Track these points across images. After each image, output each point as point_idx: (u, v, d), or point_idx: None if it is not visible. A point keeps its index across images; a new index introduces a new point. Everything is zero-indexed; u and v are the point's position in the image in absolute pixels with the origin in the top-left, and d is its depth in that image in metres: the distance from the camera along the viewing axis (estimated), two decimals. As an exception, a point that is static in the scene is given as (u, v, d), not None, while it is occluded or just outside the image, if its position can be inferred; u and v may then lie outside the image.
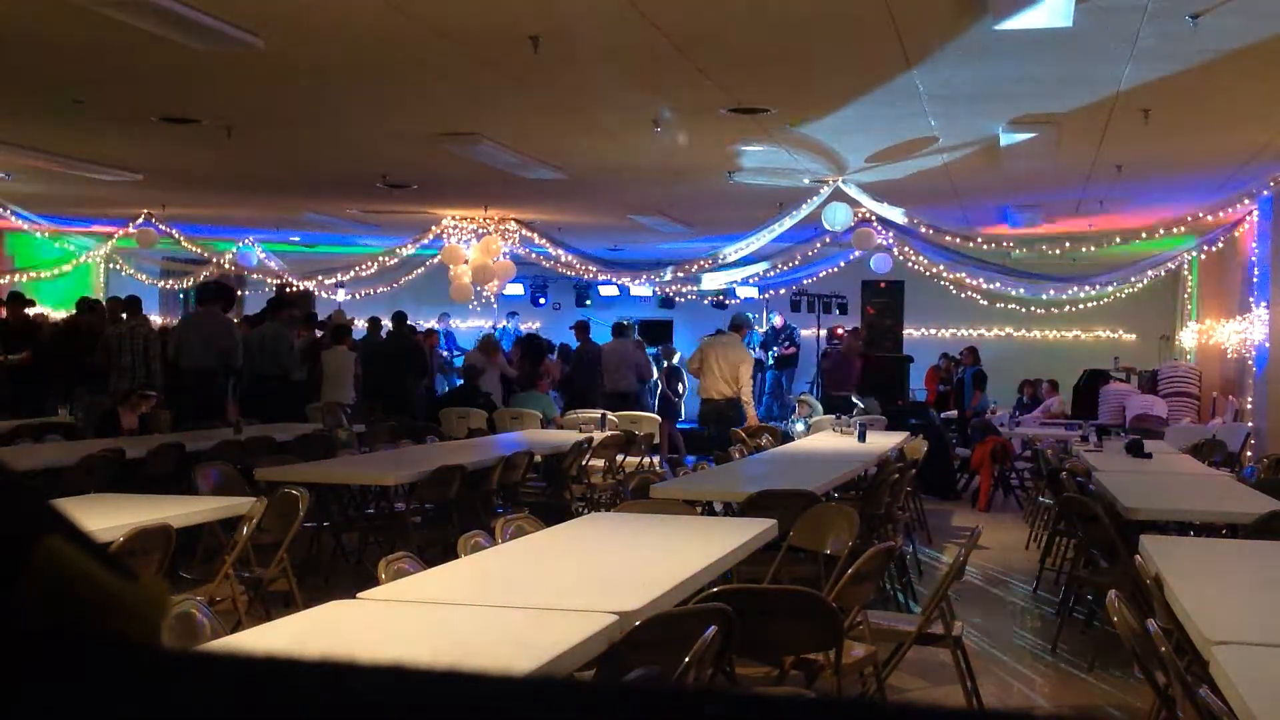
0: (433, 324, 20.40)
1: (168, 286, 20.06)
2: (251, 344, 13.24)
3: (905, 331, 20.38)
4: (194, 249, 17.29)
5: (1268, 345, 12.12)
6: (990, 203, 13.89)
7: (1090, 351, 19.62)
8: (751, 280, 16.61)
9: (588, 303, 21.73)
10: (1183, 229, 12.93)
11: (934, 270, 14.90)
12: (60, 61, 8.16)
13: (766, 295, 19.09)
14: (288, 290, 17.80)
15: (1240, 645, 3.25)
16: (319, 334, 15.07)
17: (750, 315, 19.74)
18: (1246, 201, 12.03)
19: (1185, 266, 15.96)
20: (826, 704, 0.48)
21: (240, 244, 18.28)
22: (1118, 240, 13.23)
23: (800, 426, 13.64)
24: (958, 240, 13.80)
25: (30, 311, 14.35)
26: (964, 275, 14.98)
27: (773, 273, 15.65)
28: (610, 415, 12.30)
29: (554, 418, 13.11)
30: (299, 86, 8.83)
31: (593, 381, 14.99)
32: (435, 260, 16.26)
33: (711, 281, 16.41)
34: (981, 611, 7.71)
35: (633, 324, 16.73)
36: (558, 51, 7.49)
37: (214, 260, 17.89)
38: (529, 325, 21.90)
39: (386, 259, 17.06)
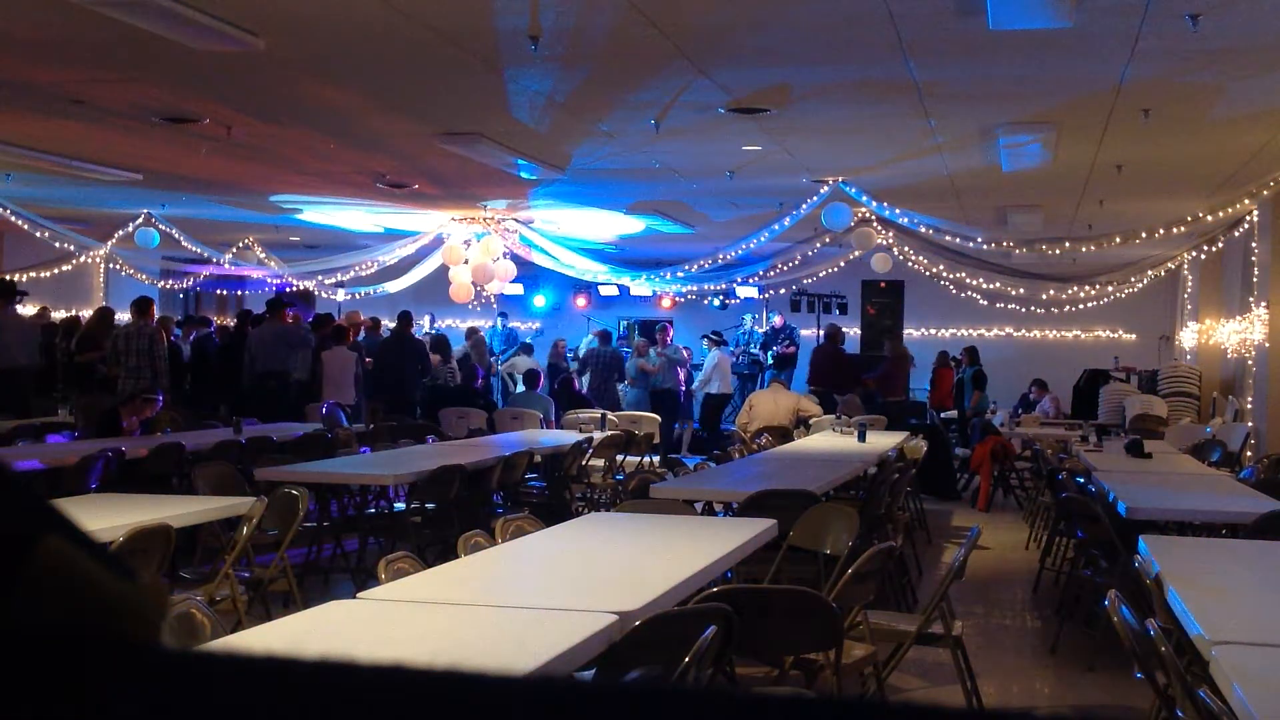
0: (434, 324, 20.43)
1: (168, 286, 20.06)
2: (252, 344, 13.26)
3: (905, 331, 20.38)
4: (194, 249, 17.29)
5: (1268, 345, 12.12)
6: (990, 203, 13.89)
7: (1090, 351, 19.62)
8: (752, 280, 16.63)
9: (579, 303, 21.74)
10: (1183, 229, 12.93)
11: (934, 270, 14.90)
12: (60, 61, 8.16)
13: (766, 295, 19.09)
14: (287, 290, 17.79)
15: (1240, 645, 3.25)
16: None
17: (749, 316, 19.85)
18: (1246, 201, 12.03)
19: (1185, 266, 15.96)
20: (826, 704, 0.48)
21: (241, 242, 18.29)
22: (1118, 240, 13.23)
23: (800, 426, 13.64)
24: (958, 240, 13.80)
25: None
26: (964, 275, 15.00)
27: (773, 273, 15.64)
28: (610, 415, 12.31)
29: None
30: (299, 86, 8.83)
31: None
32: (435, 261, 16.28)
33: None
34: (981, 611, 7.71)
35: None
36: (558, 51, 7.49)
37: (214, 260, 17.90)
38: (527, 325, 21.91)
39: (386, 259, 17.06)
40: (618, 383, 16.26)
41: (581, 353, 17.43)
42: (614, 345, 17.52)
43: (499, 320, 20.55)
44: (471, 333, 18.30)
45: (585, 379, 16.32)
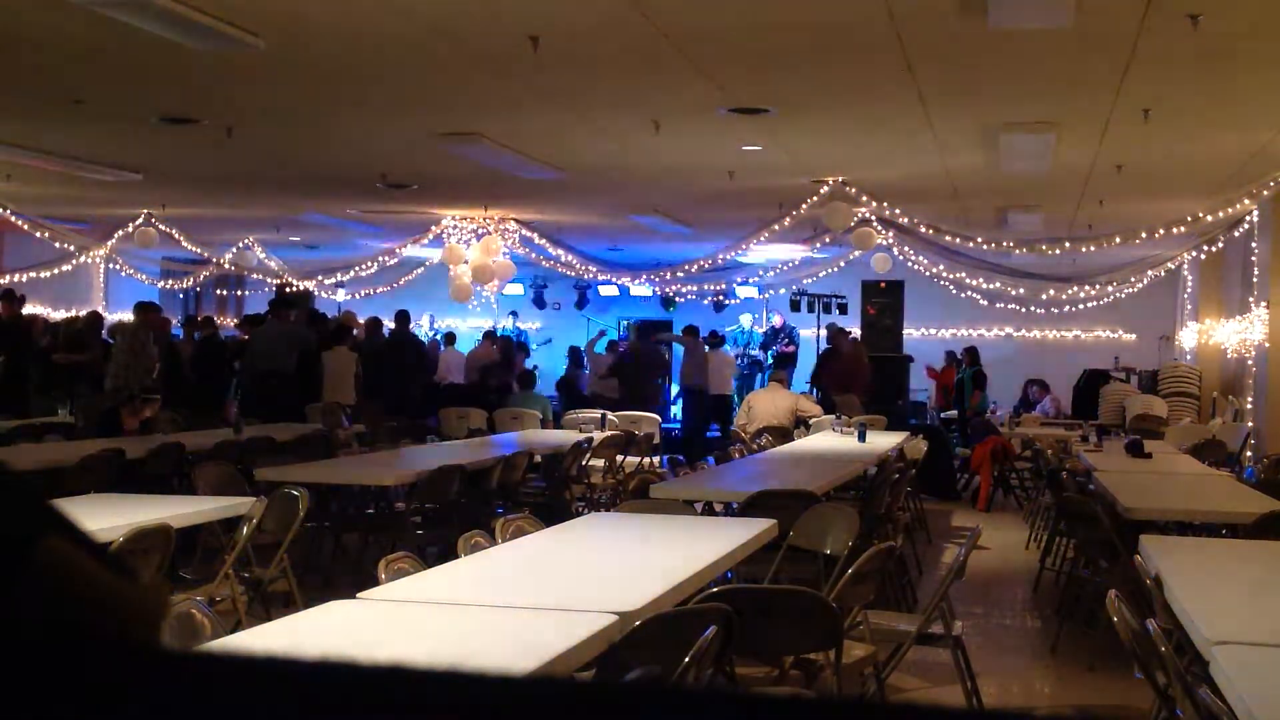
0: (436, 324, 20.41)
1: (168, 286, 20.07)
2: (253, 343, 13.26)
3: (905, 331, 20.36)
4: (194, 249, 17.29)
5: (1268, 345, 12.12)
6: (990, 203, 13.90)
7: (1090, 351, 19.61)
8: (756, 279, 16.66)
9: (577, 305, 21.74)
10: (1183, 229, 12.93)
11: (934, 270, 14.91)
12: (60, 61, 8.16)
13: (766, 295, 19.08)
14: (288, 290, 17.79)
15: (1240, 645, 3.25)
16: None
17: (748, 315, 19.85)
18: (1246, 201, 12.03)
19: (1185, 266, 15.97)
20: (827, 704, 0.48)
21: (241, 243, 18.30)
22: (1118, 240, 13.23)
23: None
24: (958, 240, 13.80)
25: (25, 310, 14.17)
26: (964, 275, 15.01)
27: (773, 273, 15.65)
28: (610, 415, 12.31)
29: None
30: (299, 86, 8.83)
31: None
32: (435, 260, 16.27)
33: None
34: (981, 611, 7.71)
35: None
36: (558, 51, 7.49)
37: (214, 260, 17.89)
38: (530, 325, 21.91)
39: (386, 259, 17.06)
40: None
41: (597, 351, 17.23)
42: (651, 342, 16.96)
43: (509, 319, 20.55)
44: (490, 335, 17.95)
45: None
